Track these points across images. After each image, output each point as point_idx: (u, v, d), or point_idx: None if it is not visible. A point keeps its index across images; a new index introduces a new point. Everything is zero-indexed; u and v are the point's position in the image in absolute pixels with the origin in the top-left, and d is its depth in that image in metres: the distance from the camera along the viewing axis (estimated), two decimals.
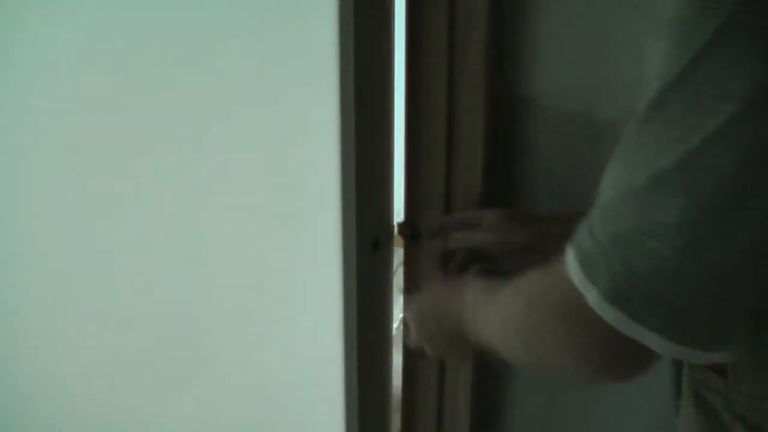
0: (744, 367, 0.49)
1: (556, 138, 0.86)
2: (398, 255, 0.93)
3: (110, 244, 0.87)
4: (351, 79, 0.71)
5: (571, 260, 0.44)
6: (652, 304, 0.40)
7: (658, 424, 0.75)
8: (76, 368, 0.96)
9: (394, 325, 1.92)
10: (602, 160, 0.82)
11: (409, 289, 0.92)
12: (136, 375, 0.93)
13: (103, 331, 0.92)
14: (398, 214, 0.90)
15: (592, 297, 0.41)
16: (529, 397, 0.97)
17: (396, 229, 0.90)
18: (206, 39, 0.75)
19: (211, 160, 0.79)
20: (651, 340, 0.40)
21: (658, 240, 0.38)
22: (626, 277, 0.40)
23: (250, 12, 0.71)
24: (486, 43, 0.81)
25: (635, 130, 0.41)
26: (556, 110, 0.83)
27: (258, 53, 0.73)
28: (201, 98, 0.77)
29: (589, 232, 0.43)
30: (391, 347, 0.92)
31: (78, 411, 0.98)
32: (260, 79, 0.74)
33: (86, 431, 0.99)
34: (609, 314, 0.41)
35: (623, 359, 0.44)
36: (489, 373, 0.97)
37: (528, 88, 0.85)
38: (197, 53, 0.75)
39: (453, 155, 0.85)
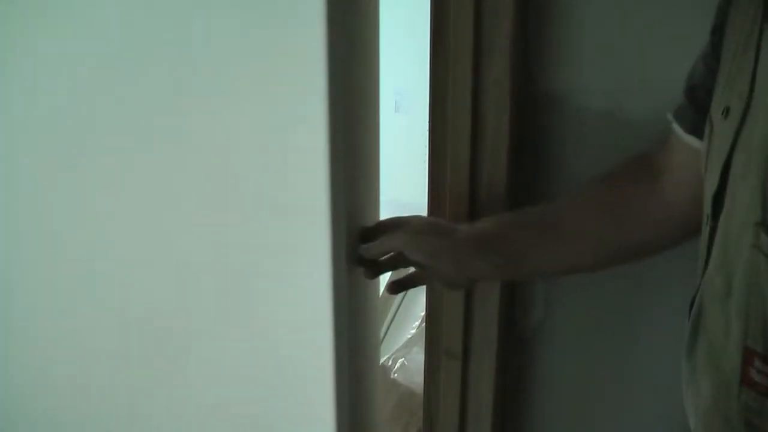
0: None
1: (583, 136, 0.85)
2: None
3: (97, 242, 0.88)
4: (339, 76, 0.71)
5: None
6: None
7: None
8: (65, 367, 0.97)
9: (416, 323, 1.93)
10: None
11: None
12: (121, 372, 0.93)
13: (87, 329, 0.93)
14: (422, 210, 0.90)
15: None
16: (553, 393, 0.97)
17: None
18: (194, 35, 0.75)
19: (200, 156, 0.80)
20: None
21: None
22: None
23: (238, 7, 0.73)
24: (512, 40, 0.80)
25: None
26: (583, 108, 0.82)
27: (246, 48, 0.74)
28: (190, 95, 0.77)
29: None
30: (379, 344, 0.92)
31: (68, 409, 0.99)
32: (248, 75, 0.75)
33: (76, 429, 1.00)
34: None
35: None
36: (512, 370, 0.97)
37: (554, 86, 0.84)
38: (183, 49, 0.76)
39: (478, 154, 0.85)
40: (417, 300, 1.93)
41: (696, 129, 0.64)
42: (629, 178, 0.74)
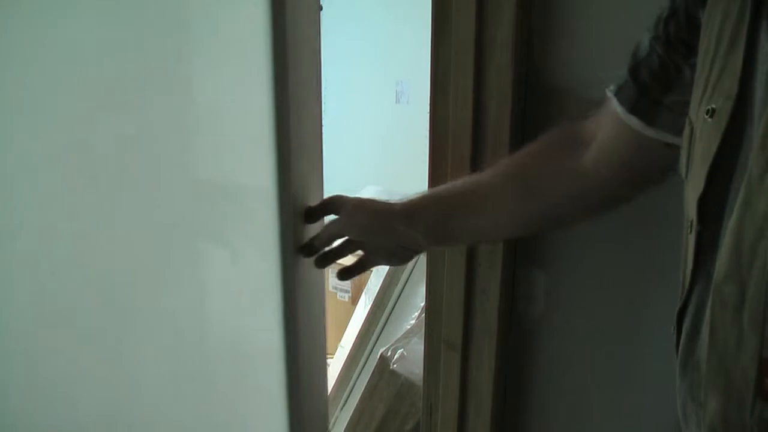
0: None
1: None
2: None
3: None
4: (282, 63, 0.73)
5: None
6: None
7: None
8: (59, 368, 0.97)
9: (415, 313, 1.93)
10: None
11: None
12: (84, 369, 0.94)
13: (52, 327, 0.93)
14: None
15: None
16: (553, 383, 0.97)
17: None
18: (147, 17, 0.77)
19: (148, 140, 0.81)
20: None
21: None
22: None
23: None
24: (515, 31, 0.80)
25: None
26: (586, 100, 0.82)
27: (193, 32, 0.76)
28: (137, 77, 0.78)
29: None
30: (325, 335, 0.93)
31: (67, 411, 0.99)
32: (195, 59, 0.77)
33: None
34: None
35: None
36: (512, 361, 0.97)
37: (557, 76, 0.84)
38: (136, 31, 0.77)
39: (479, 145, 0.85)
40: (417, 290, 1.93)
41: (636, 109, 0.65)
42: (551, 150, 0.76)
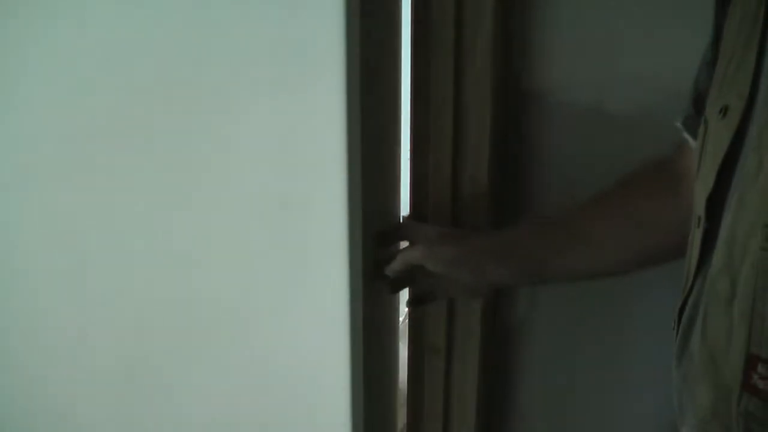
0: None
1: (566, 132, 0.85)
2: None
3: (114, 242, 0.87)
4: (357, 72, 0.70)
5: None
6: None
7: (666, 426, 0.75)
8: (76, 369, 0.96)
9: (400, 319, 1.92)
10: (612, 153, 0.82)
11: None
12: (137, 374, 0.93)
13: (101, 331, 0.92)
14: (403, 209, 0.90)
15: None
16: (538, 388, 0.98)
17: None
18: (211, 32, 0.74)
19: (216, 155, 0.79)
20: None
21: None
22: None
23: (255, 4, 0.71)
24: (494, 35, 0.80)
25: None
26: (566, 104, 0.83)
27: (263, 46, 0.72)
28: (205, 93, 0.76)
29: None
30: (398, 341, 0.92)
31: (81, 411, 0.98)
32: (265, 72, 0.73)
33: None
34: None
35: None
36: (497, 365, 0.97)
37: (537, 81, 0.84)
38: (202, 47, 0.75)
39: (460, 149, 0.85)
40: (399, 295, 1.92)
41: None
42: (651, 186, 0.74)
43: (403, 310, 1.91)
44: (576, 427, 0.97)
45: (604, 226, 0.74)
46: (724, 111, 0.52)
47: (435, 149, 0.86)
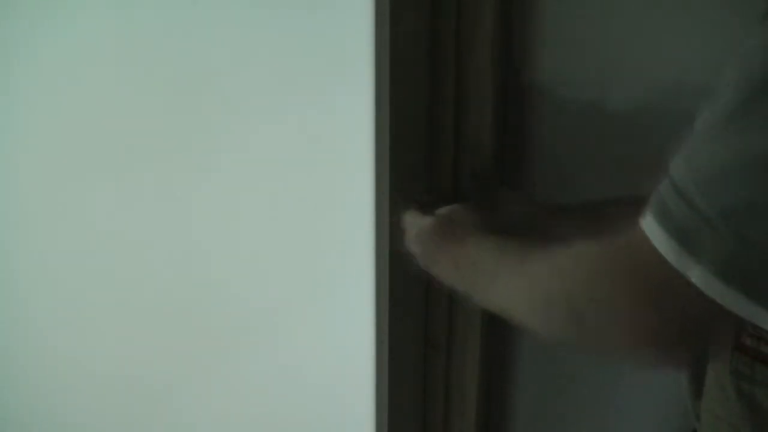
0: None
1: (566, 126, 0.85)
2: None
3: (140, 245, 0.86)
4: (386, 73, 0.70)
5: (660, 234, 0.40)
6: None
7: (665, 419, 0.75)
8: (95, 364, 0.95)
9: None
10: (612, 148, 0.82)
11: None
12: (162, 371, 0.92)
13: (133, 329, 0.91)
14: None
15: (695, 273, 0.38)
16: (538, 384, 0.98)
17: None
18: (240, 32, 0.74)
19: (242, 157, 0.78)
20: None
21: None
22: (741, 251, 0.37)
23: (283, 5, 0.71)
24: (494, 30, 0.80)
25: (738, 109, 0.39)
26: (566, 98, 0.82)
27: (291, 48, 0.72)
28: (232, 96, 0.76)
29: (686, 204, 0.39)
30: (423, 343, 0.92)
31: (96, 408, 0.98)
32: (293, 75, 0.73)
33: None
34: (718, 291, 0.38)
35: (694, 341, 0.42)
36: (497, 361, 0.97)
37: (537, 76, 0.84)
38: (230, 48, 0.75)
39: (461, 143, 0.85)
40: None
41: None
42: None
43: None
44: (576, 424, 0.97)
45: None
46: None
47: (436, 144, 0.85)
